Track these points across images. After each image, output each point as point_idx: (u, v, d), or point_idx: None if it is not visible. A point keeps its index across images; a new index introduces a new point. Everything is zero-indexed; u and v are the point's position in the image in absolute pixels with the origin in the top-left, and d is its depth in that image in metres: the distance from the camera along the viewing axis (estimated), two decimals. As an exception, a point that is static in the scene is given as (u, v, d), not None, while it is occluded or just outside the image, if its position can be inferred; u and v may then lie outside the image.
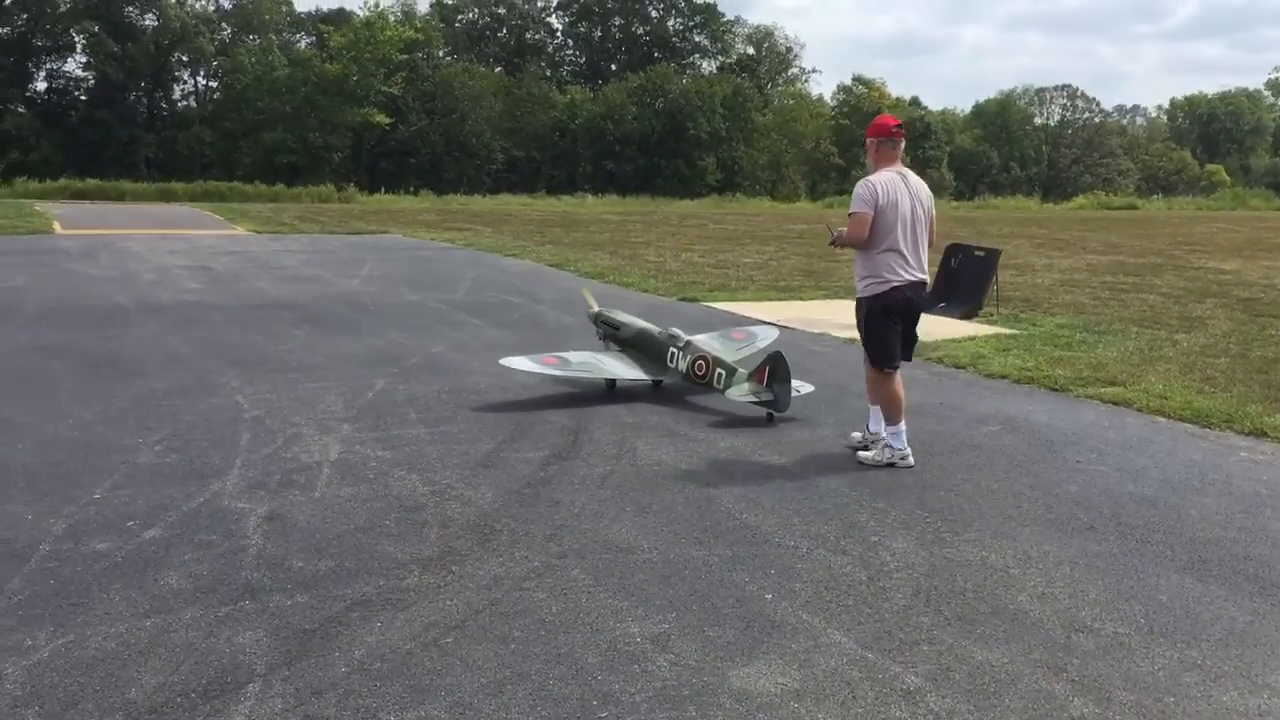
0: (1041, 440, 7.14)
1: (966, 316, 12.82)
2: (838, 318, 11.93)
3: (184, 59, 65.59)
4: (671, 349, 8.25)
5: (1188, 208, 60.07)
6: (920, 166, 77.93)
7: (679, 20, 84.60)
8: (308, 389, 8.21)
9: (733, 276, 17.45)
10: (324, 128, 60.13)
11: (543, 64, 78.82)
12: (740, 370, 7.80)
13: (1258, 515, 5.66)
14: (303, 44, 69.92)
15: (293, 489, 5.72)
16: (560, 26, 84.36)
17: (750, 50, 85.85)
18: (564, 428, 7.17)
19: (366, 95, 60.39)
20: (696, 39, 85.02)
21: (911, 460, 6.43)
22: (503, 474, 6.08)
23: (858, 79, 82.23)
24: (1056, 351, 10.37)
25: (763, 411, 7.51)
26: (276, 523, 5.19)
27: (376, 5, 63.60)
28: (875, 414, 6.67)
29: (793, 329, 11.53)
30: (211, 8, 67.74)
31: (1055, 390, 8.75)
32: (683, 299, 14.63)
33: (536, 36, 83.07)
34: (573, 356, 8.41)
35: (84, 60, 62.85)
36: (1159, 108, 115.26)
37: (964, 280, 13.69)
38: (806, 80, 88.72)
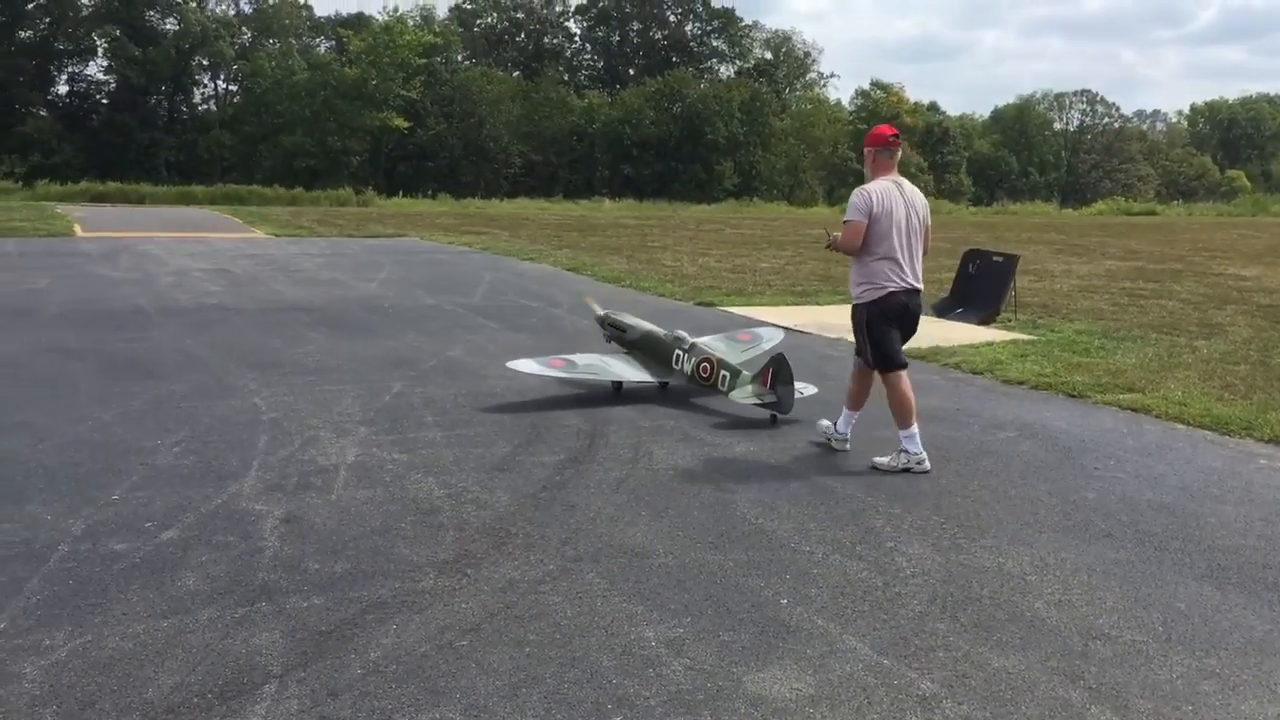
0: (1059, 447, 7.11)
1: (984, 322, 12.78)
2: (855, 323, 11.88)
3: (204, 63, 66.04)
4: (677, 351, 8.32)
5: (1208, 214, 59.70)
6: (938, 172, 77.99)
7: (697, 25, 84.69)
8: (325, 392, 8.24)
9: (749, 281, 17.44)
10: (343, 131, 60.45)
11: (560, 68, 79.04)
12: (744, 372, 7.86)
13: (1277, 523, 5.62)
14: (322, 48, 70.34)
15: (309, 491, 5.75)
16: (578, 31, 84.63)
17: (768, 55, 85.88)
18: (580, 431, 7.18)
19: (385, 99, 60.66)
20: (714, 43, 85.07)
21: (928, 465, 6.43)
22: (518, 477, 6.09)
23: (876, 83, 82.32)
24: (1075, 357, 10.33)
25: (766, 413, 7.56)
26: (293, 525, 5.21)
27: (396, 10, 63.97)
28: (848, 416, 6.87)
29: (809, 334, 11.51)
30: (232, 12, 68.20)
31: (1073, 396, 8.71)
32: (699, 303, 14.63)
33: (554, 41, 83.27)
34: (579, 359, 8.48)
35: (105, 64, 63.48)
36: (1179, 113, 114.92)
37: (982, 286, 13.64)
38: (824, 85, 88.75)
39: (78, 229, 26.01)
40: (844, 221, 6.54)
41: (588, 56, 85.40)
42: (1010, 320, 12.92)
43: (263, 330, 11.31)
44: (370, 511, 5.43)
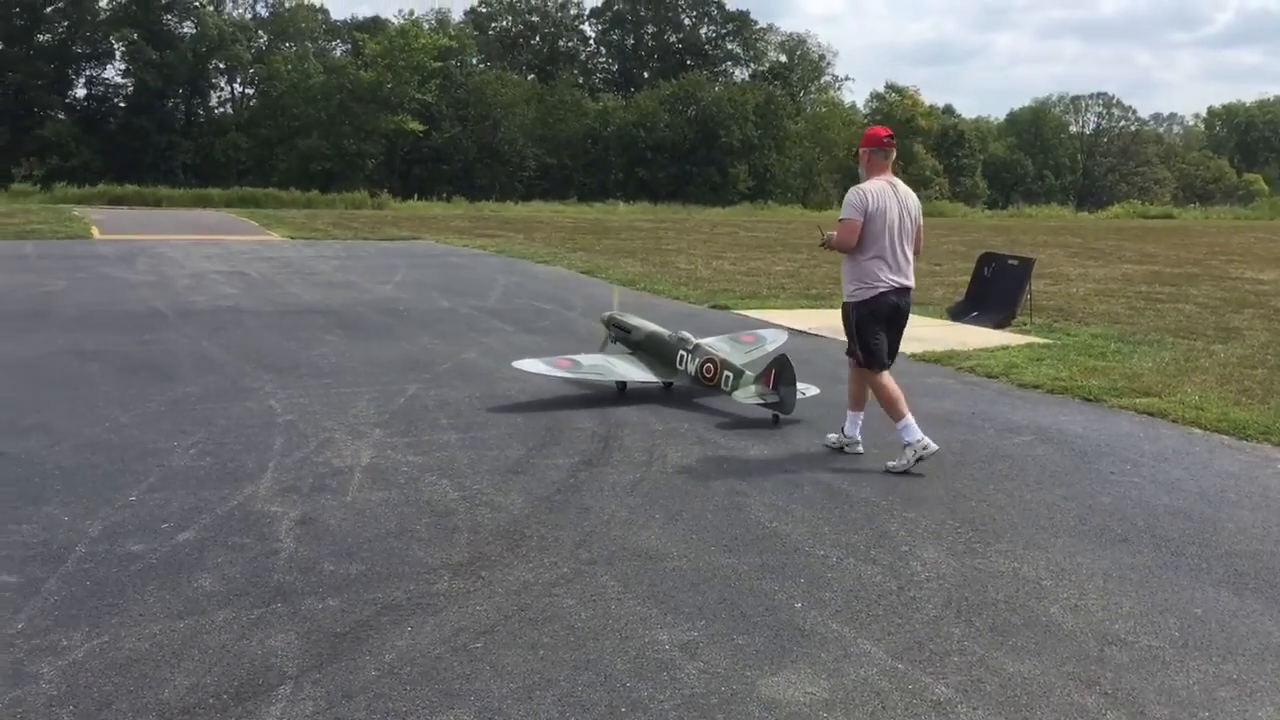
0: (1075, 451, 7.08)
1: (1000, 326, 12.74)
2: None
3: (221, 66, 66.41)
4: (681, 352, 8.41)
5: (1225, 217, 59.37)
6: (953, 175, 77.77)
7: (711, 28, 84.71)
8: (340, 394, 8.27)
9: (764, 284, 17.42)
10: (358, 134, 60.67)
11: (575, 71, 79.16)
12: (747, 373, 7.95)
13: (1295, 529, 5.58)
14: (338, 52, 70.68)
15: (325, 493, 5.77)
16: (593, 34, 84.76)
17: (783, 58, 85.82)
18: (594, 434, 7.18)
19: (400, 102, 60.87)
20: (729, 47, 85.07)
21: (933, 445, 6.45)
22: (533, 480, 6.10)
23: (891, 86, 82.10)
24: (1091, 361, 10.29)
25: (769, 413, 7.64)
26: (308, 526, 5.23)
27: (411, 13, 64.20)
28: (853, 419, 6.87)
29: (823, 337, 11.49)
30: (249, 16, 68.56)
31: (1089, 401, 8.67)
32: (714, 306, 14.63)
33: (569, 44, 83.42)
34: (584, 359, 8.58)
35: (123, 67, 63.92)
36: (1196, 116, 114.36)
37: (997, 289, 13.61)
38: (839, 88, 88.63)
39: (95, 231, 26.16)
40: (840, 220, 6.67)
41: (602, 60, 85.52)
42: (1026, 324, 12.88)
43: (279, 333, 11.36)
44: (385, 513, 5.45)
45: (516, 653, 3.93)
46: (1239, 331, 12.67)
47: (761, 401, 7.59)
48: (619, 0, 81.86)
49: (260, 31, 68.53)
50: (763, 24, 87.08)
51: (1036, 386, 9.17)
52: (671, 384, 8.53)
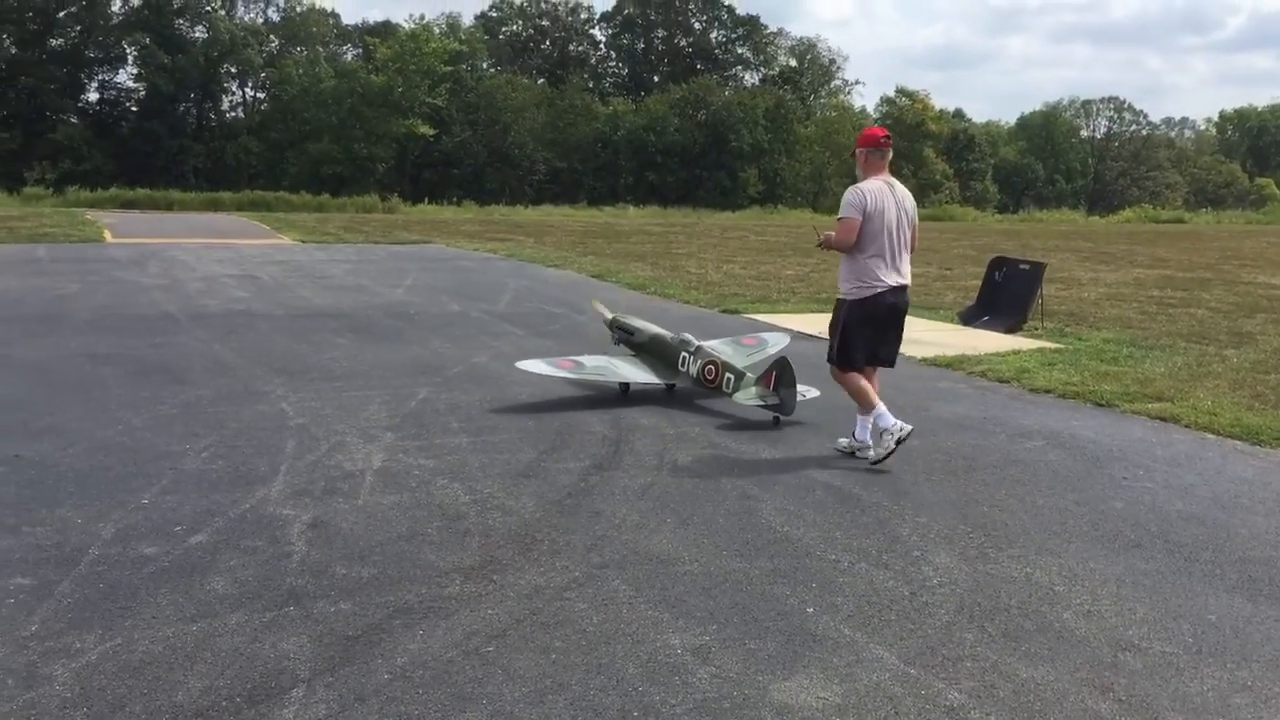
0: (1087, 456, 7.06)
1: (1011, 330, 12.71)
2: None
3: (232, 70, 66.64)
4: (683, 354, 8.49)
5: (1237, 222, 59.22)
6: (964, 179, 77.61)
7: (721, 32, 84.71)
8: (351, 397, 8.29)
9: (774, 289, 17.41)
10: (369, 138, 60.81)
11: (585, 75, 79.19)
12: (748, 375, 8.01)
13: (1310, 535, 5.56)
14: (349, 56, 70.83)
15: (336, 496, 5.78)
16: (603, 38, 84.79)
17: (793, 62, 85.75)
18: (605, 438, 7.18)
19: (411, 106, 60.98)
20: (739, 51, 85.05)
21: (908, 426, 6.59)
22: (544, 484, 6.10)
23: (901, 90, 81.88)
24: (1103, 366, 10.26)
25: (769, 415, 7.69)
26: (320, 530, 5.24)
27: (422, 17, 64.29)
28: (863, 423, 6.87)
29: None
30: (260, 20, 68.80)
31: (1101, 405, 8.65)
32: (724, 311, 14.62)
33: (579, 48, 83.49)
34: (587, 360, 8.64)
35: (135, 72, 64.16)
36: (1208, 120, 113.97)
37: (1009, 293, 13.58)
38: (849, 92, 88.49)
39: (107, 235, 26.27)
40: (838, 219, 6.74)
41: (612, 64, 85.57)
42: (1037, 328, 12.84)
43: (290, 336, 11.39)
44: (397, 517, 5.45)
45: (528, 656, 3.93)
46: (1252, 336, 12.62)
47: (762, 403, 7.64)
48: (629, 4, 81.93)
49: (271, 36, 68.79)
50: (773, 28, 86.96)
51: (1048, 391, 9.15)
52: (674, 386, 8.61)
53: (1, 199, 41.56)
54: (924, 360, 10.41)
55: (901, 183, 6.87)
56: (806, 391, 7.81)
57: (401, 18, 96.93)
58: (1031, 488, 6.30)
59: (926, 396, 8.84)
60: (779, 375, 7.54)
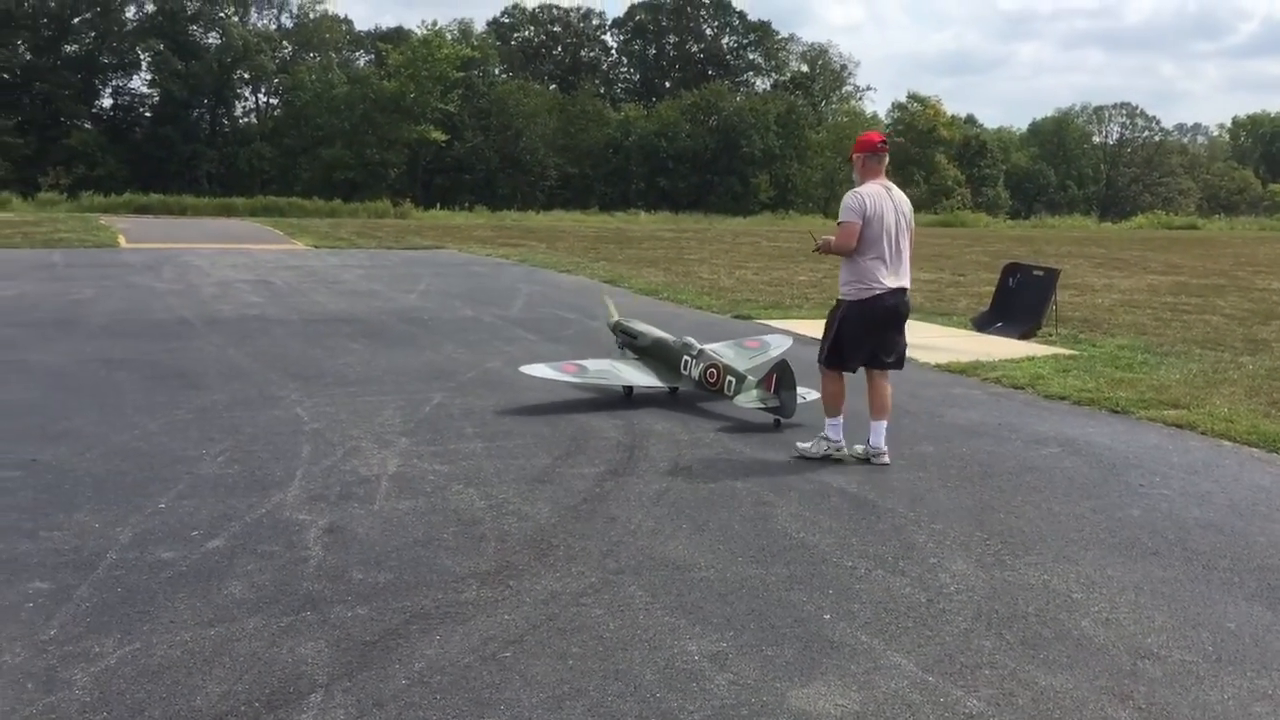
0: (1103, 463, 7.03)
1: (1025, 336, 12.68)
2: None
3: (246, 76, 66.98)
4: (685, 357, 8.54)
5: (1250, 228, 59.00)
6: (976, 185, 77.44)
7: (733, 38, 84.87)
8: (366, 402, 8.30)
9: (786, 294, 17.40)
10: (381, 144, 61.03)
11: (597, 81, 79.46)
12: (749, 378, 8.05)
13: (1329, 542, 5.52)
14: (362, 62, 71.18)
15: (352, 501, 5.78)
16: (615, 44, 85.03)
17: (804, 68, 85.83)
18: (620, 444, 7.18)
19: (423, 112, 61.19)
20: (750, 57, 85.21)
21: (846, 451, 6.75)
22: (559, 489, 6.10)
23: (913, 96, 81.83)
24: (1117, 373, 10.22)
25: (770, 417, 7.73)
26: (336, 535, 5.24)
27: (434, 24, 64.51)
28: (875, 428, 6.88)
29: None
30: (273, 26, 69.14)
31: (1116, 412, 8.61)
32: (736, 316, 14.61)
33: (591, 54, 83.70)
34: (590, 364, 8.70)
35: (149, 78, 64.56)
36: (1221, 126, 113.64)
37: (1022, 300, 13.55)
38: (860, 98, 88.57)
39: (121, 240, 26.39)
40: (838, 223, 6.79)
41: (624, 70, 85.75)
42: (1051, 335, 12.81)
43: (304, 341, 11.42)
44: (412, 522, 5.46)
45: (545, 662, 3.93)
46: (1267, 343, 12.57)
47: (763, 406, 7.68)
48: (641, 10, 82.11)
49: (285, 42, 69.12)
50: (784, 34, 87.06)
51: (1063, 398, 9.12)
52: (676, 389, 8.65)
53: (16, 204, 41.78)
54: (938, 366, 10.39)
55: (913, 189, 6.88)
56: (807, 394, 7.83)
57: (414, 24, 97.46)
58: (1048, 494, 6.28)
59: (941, 403, 8.83)
60: (779, 378, 7.58)
